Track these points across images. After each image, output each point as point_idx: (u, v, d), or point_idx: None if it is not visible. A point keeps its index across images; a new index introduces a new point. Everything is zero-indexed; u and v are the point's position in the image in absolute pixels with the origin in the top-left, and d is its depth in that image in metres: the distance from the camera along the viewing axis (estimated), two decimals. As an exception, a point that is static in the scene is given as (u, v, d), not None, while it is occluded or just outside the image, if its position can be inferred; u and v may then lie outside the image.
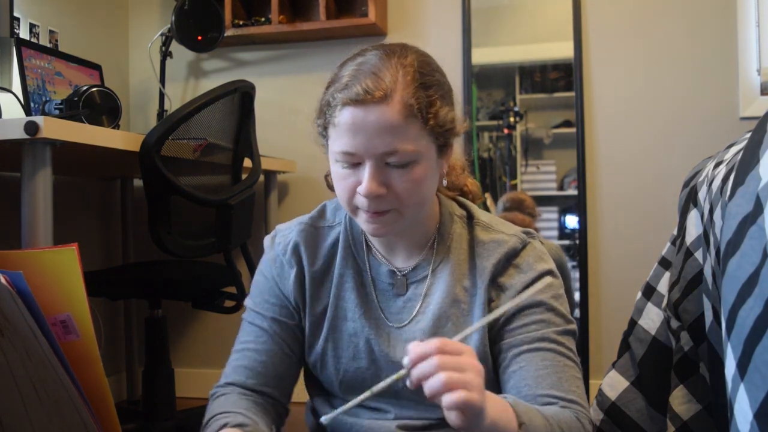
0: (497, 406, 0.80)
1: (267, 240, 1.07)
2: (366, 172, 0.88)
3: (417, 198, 0.91)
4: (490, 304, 0.97)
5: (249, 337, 1.02)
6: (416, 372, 0.73)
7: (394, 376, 0.76)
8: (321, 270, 1.03)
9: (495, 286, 0.98)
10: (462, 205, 1.07)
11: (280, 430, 1.02)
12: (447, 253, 1.01)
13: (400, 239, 1.01)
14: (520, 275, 0.98)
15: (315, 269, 1.03)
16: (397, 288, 1.01)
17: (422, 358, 0.73)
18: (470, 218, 1.04)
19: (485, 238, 1.00)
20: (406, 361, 0.74)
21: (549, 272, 0.98)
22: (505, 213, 2.42)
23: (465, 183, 1.13)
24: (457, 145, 1.04)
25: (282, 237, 1.05)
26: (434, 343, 0.73)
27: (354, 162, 0.89)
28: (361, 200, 0.90)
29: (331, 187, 1.09)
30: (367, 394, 0.79)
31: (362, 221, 0.94)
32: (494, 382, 0.97)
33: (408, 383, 0.74)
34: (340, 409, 0.82)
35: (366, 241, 1.03)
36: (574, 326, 0.98)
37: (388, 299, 1.01)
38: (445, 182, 1.00)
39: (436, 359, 0.72)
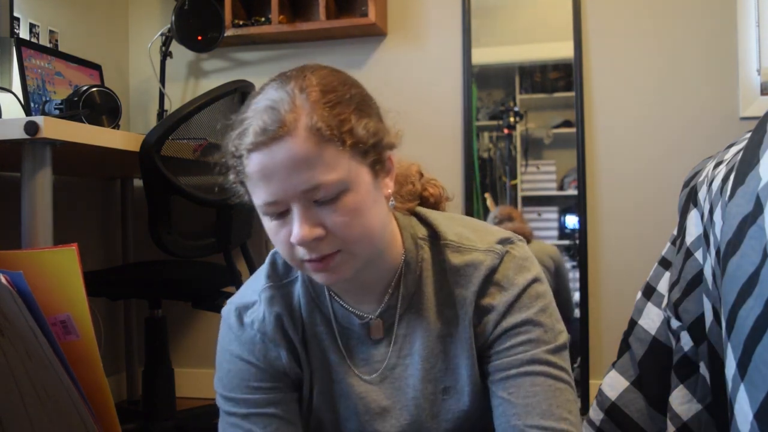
0: None
1: (230, 317, 0.97)
2: (294, 217, 0.78)
3: (360, 230, 0.79)
4: (475, 330, 0.90)
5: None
6: None
7: None
8: (301, 333, 0.94)
9: (478, 310, 0.90)
10: (424, 221, 0.95)
11: None
12: (419, 286, 0.91)
13: (363, 281, 0.90)
14: (503, 294, 0.89)
15: (299, 335, 0.94)
16: (374, 335, 0.92)
17: None
18: (436, 238, 0.93)
19: (458, 262, 0.90)
20: None
21: (533, 281, 0.90)
22: (502, 225, 2.45)
23: (425, 188, 1.03)
24: (410, 152, 0.94)
25: (252, 314, 0.94)
26: None
27: (280, 211, 0.79)
28: (301, 251, 0.79)
29: None
30: None
31: (312, 273, 0.83)
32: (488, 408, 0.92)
33: None
34: None
35: (328, 289, 0.93)
36: (565, 339, 0.90)
37: (367, 349, 0.93)
38: (392, 203, 0.88)
39: None
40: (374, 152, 0.81)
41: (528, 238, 2.43)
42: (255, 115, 0.78)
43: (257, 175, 0.77)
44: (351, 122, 0.78)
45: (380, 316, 0.92)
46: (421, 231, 0.94)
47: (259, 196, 0.79)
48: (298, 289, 0.94)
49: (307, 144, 0.75)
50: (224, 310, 0.97)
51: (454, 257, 0.91)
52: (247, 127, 0.78)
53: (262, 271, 0.97)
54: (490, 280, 0.90)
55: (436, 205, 1.04)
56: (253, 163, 0.77)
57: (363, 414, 0.93)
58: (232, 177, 0.83)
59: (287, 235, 0.79)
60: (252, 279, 0.98)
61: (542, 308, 0.89)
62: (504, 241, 0.92)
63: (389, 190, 0.87)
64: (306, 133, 0.75)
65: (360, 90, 0.84)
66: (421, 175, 1.05)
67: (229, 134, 0.81)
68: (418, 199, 1.02)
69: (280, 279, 0.95)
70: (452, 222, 0.95)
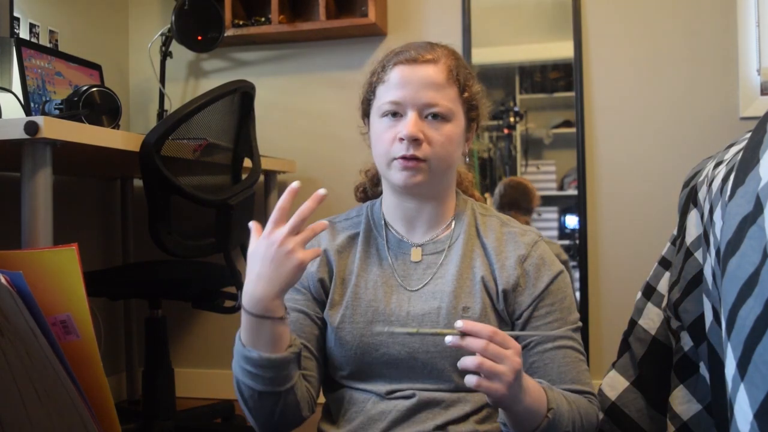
0: (533, 393, 0.92)
1: None
2: (408, 118, 1.02)
3: (445, 152, 1.03)
4: (516, 289, 1.06)
5: None
6: (462, 342, 0.85)
7: (444, 330, 0.89)
8: (343, 246, 1.12)
9: (521, 270, 1.07)
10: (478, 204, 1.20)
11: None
12: (466, 230, 1.10)
13: (419, 215, 1.11)
14: (546, 270, 1.07)
15: (337, 244, 1.12)
16: (415, 257, 1.10)
17: (473, 334, 0.85)
18: (486, 210, 1.16)
19: (502, 230, 1.11)
20: (459, 324, 0.86)
21: (563, 271, 1.09)
22: (509, 212, 2.44)
23: (473, 194, 1.24)
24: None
25: None
26: (488, 329, 0.85)
27: (397, 113, 1.03)
28: (398, 147, 1.02)
29: (360, 200, 1.25)
30: (413, 330, 0.95)
31: (396, 170, 1.03)
32: None
33: (449, 341, 0.86)
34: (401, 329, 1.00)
35: (385, 221, 1.13)
36: (580, 323, 1.10)
37: (406, 268, 1.10)
38: (467, 159, 1.17)
39: (482, 343, 0.84)
40: (473, 111, 1.09)
41: None
42: (410, 47, 1.06)
43: (396, 80, 1.04)
44: (471, 81, 1.08)
45: (427, 246, 1.11)
46: (473, 200, 1.18)
47: (387, 96, 1.04)
48: (358, 221, 1.16)
49: (443, 74, 1.03)
50: None
51: (500, 227, 1.12)
52: (401, 51, 1.05)
53: None
54: (534, 252, 1.08)
55: None
56: (396, 72, 1.04)
57: (389, 316, 1.06)
58: (367, 90, 1.10)
59: (394, 134, 1.03)
60: None
61: (570, 294, 1.09)
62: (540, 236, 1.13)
63: (467, 149, 1.12)
64: (444, 67, 1.04)
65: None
66: (472, 184, 1.27)
67: (381, 59, 1.09)
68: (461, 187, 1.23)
69: (337, 218, 1.18)
70: (499, 213, 1.17)
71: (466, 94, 1.06)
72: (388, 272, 1.10)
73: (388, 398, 1.04)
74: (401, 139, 1.02)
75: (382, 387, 1.05)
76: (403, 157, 1.02)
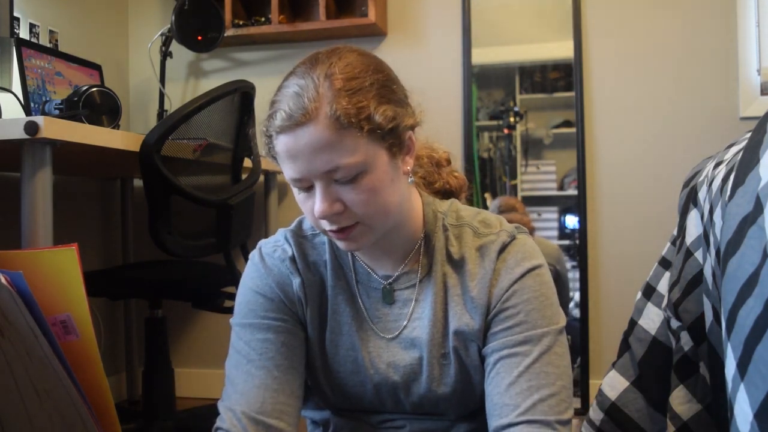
0: None
1: (254, 254, 1.03)
2: (317, 194, 0.85)
3: (377, 207, 0.87)
4: (488, 307, 0.94)
5: (252, 356, 0.95)
6: None
7: None
8: (316, 281, 1.00)
9: (490, 285, 0.94)
10: (447, 204, 1.03)
11: None
12: (436, 257, 0.97)
13: (384, 247, 0.97)
14: (507, 273, 0.94)
15: (310, 280, 0.99)
16: (390, 296, 0.98)
17: None
18: (458, 219, 1.00)
19: (477, 244, 0.97)
20: None
21: (537, 267, 0.95)
22: (504, 215, 2.44)
23: (447, 181, 1.09)
24: (444, 137, 0.99)
25: (272, 247, 1.01)
26: None
27: (306, 186, 0.87)
28: (323, 222, 0.88)
29: None
30: None
31: (335, 240, 0.91)
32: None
33: None
34: None
35: (351, 251, 1.00)
36: (561, 324, 0.94)
37: (379, 309, 0.99)
38: (411, 179, 0.95)
39: None
40: (392, 136, 0.87)
41: (530, 232, 2.44)
42: (283, 100, 0.84)
43: (284, 154, 0.85)
44: (369, 110, 0.83)
45: (398, 280, 0.98)
46: (443, 209, 1.00)
47: (286, 172, 0.87)
48: (322, 243, 1.01)
49: (328, 131, 0.82)
50: (251, 253, 1.05)
51: (474, 240, 0.97)
52: (275, 111, 0.85)
53: (289, 227, 1.05)
54: (498, 257, 0.95)
55: (455, 197, 1.10)
56: (280, 143, 0.85)
57: (368, 368, 0.98)
58: (264, 152, 0.91)
59: (312, 207, 0.87)
60: (280, 230, 1.06)
61: (542, 293, 0.93)
62: (518, 228, 0.99)
63: (408, 167, 0.93)
64: (326, 120, 0.82)
65: (383, 75, 0.88)
66: (449, 162, 1.12)
67: (266, 114, 0.88)
68: (443, 191, 1.08)
69: (303, 233, 1.03)
70: (472, 211, 1.02)
71: (366, 129, 0.83)
72: (362, 314, 0.99)
73: (378, 427, 1.01)
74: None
75: (373, 417, 1.02)
76: (332, 231, 0.88)
